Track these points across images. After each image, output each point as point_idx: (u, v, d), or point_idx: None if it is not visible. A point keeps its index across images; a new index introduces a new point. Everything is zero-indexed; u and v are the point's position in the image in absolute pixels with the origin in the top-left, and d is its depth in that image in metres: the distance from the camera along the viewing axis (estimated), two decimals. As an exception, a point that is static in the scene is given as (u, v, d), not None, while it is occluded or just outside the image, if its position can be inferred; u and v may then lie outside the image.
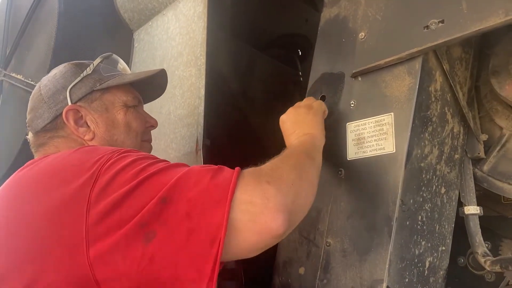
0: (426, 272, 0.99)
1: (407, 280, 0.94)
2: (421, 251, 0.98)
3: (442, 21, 0.90)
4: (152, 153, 1.11)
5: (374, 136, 0.99)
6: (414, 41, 0.94)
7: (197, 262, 0.68)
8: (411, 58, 0.96)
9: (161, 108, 1.48)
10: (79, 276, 0.68)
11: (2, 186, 0.87)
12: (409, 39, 0.96)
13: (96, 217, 0.69)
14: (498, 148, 1.08)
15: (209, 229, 0.68)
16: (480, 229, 1.06)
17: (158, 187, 0.71)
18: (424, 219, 0.99)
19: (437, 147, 1.02)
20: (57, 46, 1.67)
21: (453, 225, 1.08)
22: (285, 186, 0.76)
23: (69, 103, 0.98)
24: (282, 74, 1.96)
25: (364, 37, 1.06)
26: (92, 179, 0.72)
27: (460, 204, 1.10)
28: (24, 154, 1.62)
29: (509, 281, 1.09)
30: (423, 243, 0.99)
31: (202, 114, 1.28)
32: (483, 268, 1.08)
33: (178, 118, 1.40)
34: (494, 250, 1.17)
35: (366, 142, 1.00)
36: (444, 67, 1.01)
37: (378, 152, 0.98)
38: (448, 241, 1.07)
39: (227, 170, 0.76)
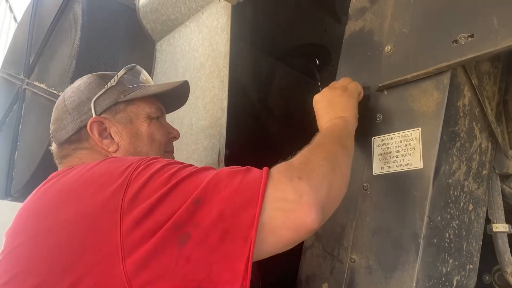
0: (453, 291, 0.97)
1: (434, 299, 0.92)
2: (448, 269, 0.96)
3: (472, 36, 0.88)
4: (175, 164, 1.11)
5: (400, 151, 0.98)
6: (442, 56, 0.93)
7: (231, 261, 0.68)
8: (439, 72, 0.95)
9: (183, 119, 1.48)
10: (114, 284, 0.68)
11: (26, 201, 0.88)
12: (437, 54, 0.94)
13: (131, 224, 0.69)
14: (527, 164, 1.06)
15: (242, 228, 0.68)
16: (509, 247, 1.04)
17: (190, 190, 0.72)
18: (451, 236, 0.97)
19: (465, 163, 1.00)
20: (80, 56, 1.69)
21: (481, 243, 1.06)
22: (317, 180, 0.75)
23: (94, 115, 0.99)
24: (301, 84, 1.95)
25: (390, 51, 1.05)
26: (123, 186, 0.73)
27: (488, 221, 1.08)
28: (46, 162, 1.64)
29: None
30: (450, 261, 0.96)
31: (225, 125, 1.28)
32: (510, 286, 1.06)
33: (200, 129, 1.40)
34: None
35: (393, 157, 0.99)
36: (473, 81, 1.00)
37: (405, 168, 0.96)
38: (475, 259, 1.04)
39: (255, 169, 0.77)
